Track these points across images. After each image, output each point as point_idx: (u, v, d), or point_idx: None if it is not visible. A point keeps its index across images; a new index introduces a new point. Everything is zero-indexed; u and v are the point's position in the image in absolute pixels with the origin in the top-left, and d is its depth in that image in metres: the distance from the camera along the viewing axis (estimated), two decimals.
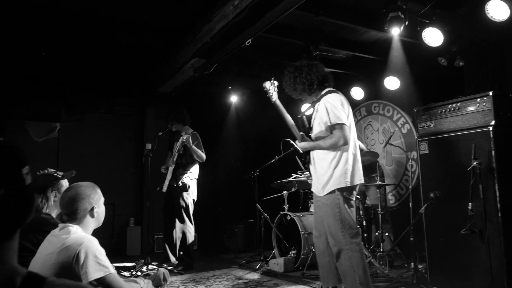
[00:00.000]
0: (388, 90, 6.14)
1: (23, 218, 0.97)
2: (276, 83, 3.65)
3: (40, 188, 2.76)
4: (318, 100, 3.57)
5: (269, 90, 3.61)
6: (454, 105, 4.00)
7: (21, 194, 0.95)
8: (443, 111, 4.09)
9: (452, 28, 4.46)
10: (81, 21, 4.99)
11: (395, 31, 4.43)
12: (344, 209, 3.31)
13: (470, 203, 3.57)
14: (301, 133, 3.56)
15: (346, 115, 3.41)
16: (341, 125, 3.32)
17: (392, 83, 5.95)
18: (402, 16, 4.21)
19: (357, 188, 3.50)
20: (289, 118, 3.63)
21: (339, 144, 3.32)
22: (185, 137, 5.27)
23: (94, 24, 5.12)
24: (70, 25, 5.09)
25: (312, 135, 3.57)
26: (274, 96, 3.61)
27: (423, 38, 4.58)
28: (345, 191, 3.35)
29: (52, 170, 2.94)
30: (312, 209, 5.30)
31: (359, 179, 3.45)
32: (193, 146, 5.33)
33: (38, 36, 5.35)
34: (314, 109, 3.67)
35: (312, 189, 3.67)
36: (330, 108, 3.37)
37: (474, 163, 3.59)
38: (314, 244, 3.86)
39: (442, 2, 4.35)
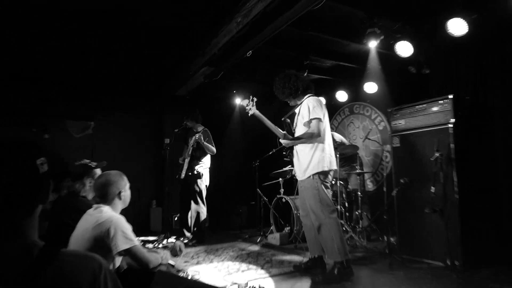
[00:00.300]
0: (367, 94, 6.14)
1: (39, 200, 0.99)
2: (255, 99, 3.71)
3: (77, 175, 2.81)
4: (301, 103, 3.65)
5: (247, 106, 3.71)
6: (421, 106, 4.05)
7: (36, 180, 0.98)
8: (412, 111, 4.14)
9: (419, 41, 4.45)
10: (114, 35, 5.03)
11: (372, 44, 4.43)
12: (322, 190, 3.38)
13: (432, 187, 3.62)
14: (284, 132, 3.59)
15: (322, 114, 3.48)
16: (318, 120, 3.40)
17: (370, 87, 5.96)
18: (378, 31, 4.24)
19: (331, 173, 3.53)
20: (269, 122, 3.65)
21: (315, 135, 3.39)
22: (197, 136, 5.33)
23: (123, 38, 5.15)
24: (108, 40, 5.16)
25: (296, 133, 3.62)
26: (252, 110, 3.67)
27: (396, 50, 4.58)
28: (322, 175, 3.41)
29: (88, 160, 2.97)
30: None
31: (333, 165, 3.51)
32: (205, 143, 5.36)
33: (78, 49, 5.40)
34: (296, 111, 3.73)
35: (296, 176, 3.72)
36: (311, 107, 3.45)
37: (437, 155, 3.65)
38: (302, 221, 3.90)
39: (411, 19, 4.35)
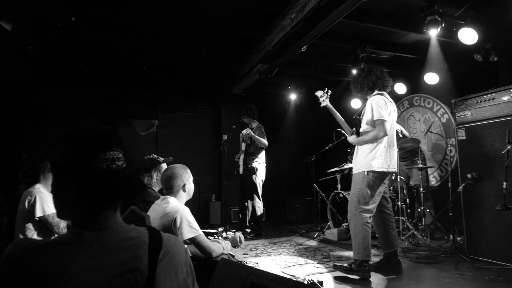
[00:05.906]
0: (428, 85, 5.82)
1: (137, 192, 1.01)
2: (330, 92, 3.75)
3: (147, 168, 2.99)
4: (367, 101, 3.52)
5: (321, 97, 3.73)
6: (489, 95, 3.76)
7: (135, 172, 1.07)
8: (479, 101, 3.86)
9: (485, 27, 4.13)
10: (177, 42, 5.33)
11: (433, 33, 4.20)
12: (365, 188, 3.28)
13: (504, 183, 3.36)
14: (353, 129, 3.56)
15: (387, 113, 3.33)
16: (382, 121, 3.28)
17: (431, 78, 5.64)
18: (439, 19, 4.01)
19: (388, 176, 3.40)
20: (339, 117, 3.66)
21: (379, 136, 3.29)
22: (244, 131, 5.44)
23: (183, 44, 5.41)
24: (166, 47, 5.48)
25: (361, 130, 3.52)
26: (325, 102, 3.71)
27: (459, 37, 4.29)
28: (374, 174, 3.30)
29: (156, 155, 3.15)
30: None
31: (392, 167, 3.37)
32: (256, 136, 5.46)
33: (144, 57, 5.77)
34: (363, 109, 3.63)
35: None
36: (374, 107, 3.34)
37: (508, 147, 3.38)
38: None
39: (475, 4, 4.05)
